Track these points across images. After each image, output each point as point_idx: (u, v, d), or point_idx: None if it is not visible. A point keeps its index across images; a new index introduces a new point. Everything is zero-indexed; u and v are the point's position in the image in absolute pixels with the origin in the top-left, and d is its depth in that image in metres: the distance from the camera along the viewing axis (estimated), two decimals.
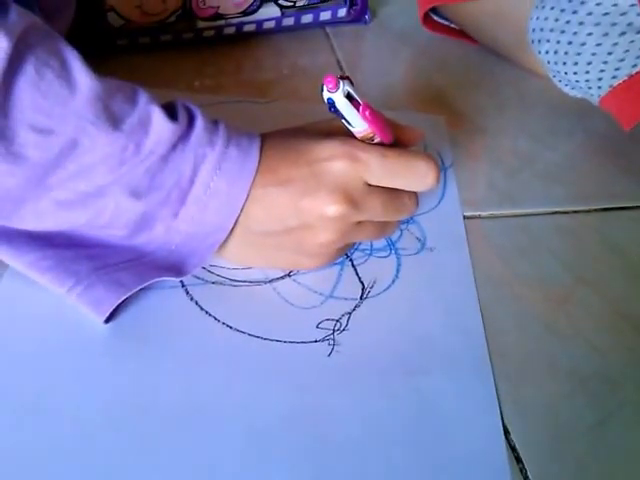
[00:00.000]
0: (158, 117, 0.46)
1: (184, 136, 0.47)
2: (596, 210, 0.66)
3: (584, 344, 0.53)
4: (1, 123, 0.41)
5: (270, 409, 0.46)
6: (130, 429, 0.44)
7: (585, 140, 0.75)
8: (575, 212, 0.65)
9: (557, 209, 0.65)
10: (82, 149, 0.44)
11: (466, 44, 0.89)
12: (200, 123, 0.48)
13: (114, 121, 0.44)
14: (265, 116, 0.72)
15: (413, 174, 0.50)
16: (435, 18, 0.89)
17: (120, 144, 0.44)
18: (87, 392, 0.45)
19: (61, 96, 0.43)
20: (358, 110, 0.47)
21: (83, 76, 0.44)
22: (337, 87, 0.45)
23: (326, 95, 0.46)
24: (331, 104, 0.46)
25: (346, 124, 0.48)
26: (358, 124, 0.48)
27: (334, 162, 0.49)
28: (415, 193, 0.53)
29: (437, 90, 0.81)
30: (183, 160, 0.47)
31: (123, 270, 0.49)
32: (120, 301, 0.48)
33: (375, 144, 0.50)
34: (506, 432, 0.47)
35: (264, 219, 0.49)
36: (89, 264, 0.48)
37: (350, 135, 0.50)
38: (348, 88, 0.46)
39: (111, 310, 0.48)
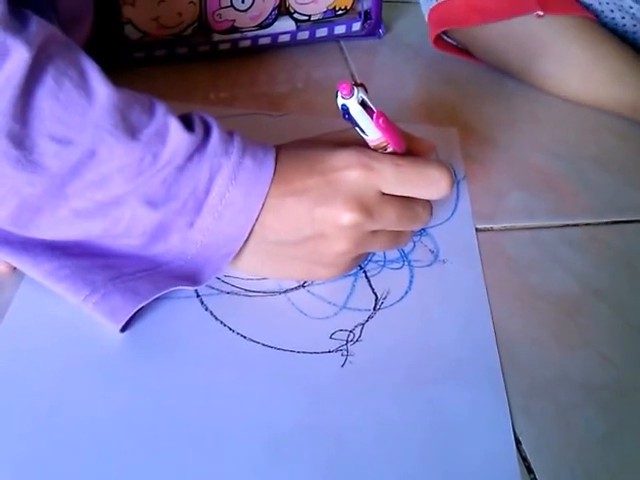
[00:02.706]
0: (175, 128, 0.46)
1: (200, 147, 0.47)
2: (607, 223, 0.66)
3: (595, 355, 0.53)
4: (21, 132, 0.42)
5: (284, 419, 0.46)
6: (144, 438, 0.44)
7: (596, 153, 0.76)
8: (587, 225, 0.65)
9: (569, 222, 0.65)
10: (100, 159, 0.44)
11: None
12: (216, 134, 0.48)
13: (132, 131, 0.45)
14: (279, 129, 0.73)
15: (426, 182, 0.51)
16: (446, 39, 0.90)
17: (137, 154, 0.45)
18: (102, 400, 0.46)
19: (79, 106, 0.43)
20: (372, 118, 0.47)
21: (101, 86, 0.44)
22: (351, 94, 0.46)
23: (340, 101, 0.46)
24: (345, 111, 0.47)
25: (360, 132, 0.48)
26: (372, 132, 0.48)
27: (348, 171, 0.49)
28: (429, 202, 0.53)
29: (450, 103, 0.82)
30: (199, 170, 0.47)
31: (139, 279, 0.49)
32: (136, 310, 0.48)
33: (388, 153, 0.50)
34: (517, 442, 0.47)
35: (279, 229, 0.50)
36: (105, 273, 0.49)
37: (364, 144, 0.50)
38: (362, 95, 0.46)
39: (127, 319, 0.48)
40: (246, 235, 0.49)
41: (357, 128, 0.48)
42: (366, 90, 0.47)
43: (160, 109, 0.47)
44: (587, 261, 0.61)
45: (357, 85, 0.46)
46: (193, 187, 0.47)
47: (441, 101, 0.82)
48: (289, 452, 0.44)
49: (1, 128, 0.41)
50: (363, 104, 0.47)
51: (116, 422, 0.45)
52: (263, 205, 0.49)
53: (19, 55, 0.41)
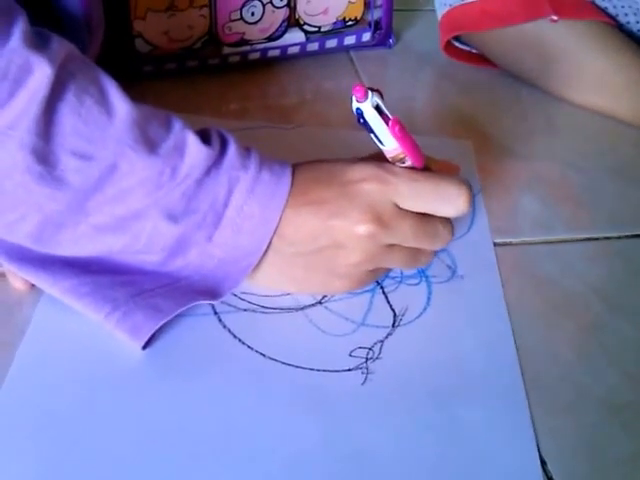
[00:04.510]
0: (193, 142, 0.47)
1: (218, 160, 0.48)
2: (627, 236, 0.65)
3: (619, 372, 0.52)
4: (44, 148, 0.42)
5: (303, 437, 0.46)
6: (163, 455, 0.44)
7: (616, 165, 0.75)
8: (607, 238, 0.65)
9: (588, 235, 0.65)
10: (121, 173, 0.45)
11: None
12: (233, 148, 0.49)
13: (151, 146, 0.45)
14: (291, 142, 0.73)
15: (443, 198, 0.50)
16: (457, 45, 0.89)
17: (157, 168, 0.45)
18: (122, 417, 0.45)
19: (100, 122, 0.44)
20: (387, 125, 0.47)
21: (120, 103, 0.45)
22: (365, 97, 0.46)
23: (355, 105, 0.46)
24: (360, 114, 0.47)
25: (375, 141, 0.48)
26: (388, 141, 0.48)
27: (364, 184, 0.49)
28: (449, 221, 0.53)
29: (463, 114, 0.81)
30: (217, 183, 0.48)
31: (160, 295, 0.49)
32: (158, 327, 0.48)
33: (406, 167, 0.50)
34: (543, 463, 0.46)
35: (296, 239, 0.50)
36: (125, 290, 0.49)
37: (382, 159, 0.50)
38: (377, 100, 0.46)
39: (149, 336, 0.48)
40: (264, 247, 0.50)
41: (372, 136, 0.48)
42: (382, 96, 0.47)
43: (177, 124, 0.47)
44: (609, 276, 0.61)
45: (372, 90, 0.46)
46: (212, 200, 0.48)
47: (454, 111, 0.82)
48: (309, 471, 0.44)
49: (25, 144, 0.42)
50: (378, 110, 0.46)
51: (135, 438, 0.44)
52: (281, 217, 0.49)
53: (42, 72, 0.42)
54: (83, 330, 0.49)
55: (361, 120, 0.47)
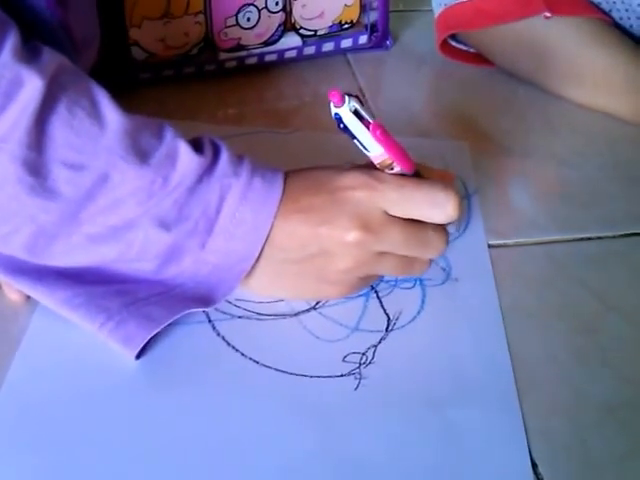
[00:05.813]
0: (184, 150, 0.47)
1: (210, 168, 0.48)
2: (623, 236, 0.65)
3: (613, 374, 0.52)
4: (36, 160, 0.43)
5: (297, 445, 0.46)
6: (157, 464, 0.44)
7: (612, 164, 0.75)
8: (600, 238, 0.64)
9: (583, 235, 0.64)
10: (112, 184, 0.45)
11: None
12: (225, 156, 0.49)
13: (143, 155, 0.46)
14: (288, 146, 0.73)
15: (431, 204, 0.50)
16: (453, 44, 0.89)
17: (149, 177, 0.46)
18: (116, 428, 0.46)
19: (92, 133, 0.44)
20: (368, 129, 0.47)
21: (112, 113, 0.45)
22: (342, 101, 0.45)
23: (333, 110, 0.46)
24: (339, 120, 0.46)
25: (360, 147, 0.48)
26: (371, 147, 0.48)
27: (353, 191, 0.49)
28: (442, 229, 0.52)
29: (461, 114, 0.81)
30: (209, 191, 0.48)
31: (153, 304, 0.49)
32: (151, 336, 0.48)
33: (395, 174, 0.50)
34: (534, 464, 0.46)
35: (286, 246, 0.50)
36: (119, 300, 0.49)
37: (372, 166, 0.50)
38: (355, 104, 0.46)
39: (142, 345, 0.48)
40: (257, 253, 0.50)
41: (356, 142, 0.48)
42: (361, 102, 0.47)
43: (169, 133, 0.48)
44: (605, 276, 0.60)
45: (350, 95, 0.46)
46: (204, 207, 0.48)
47: (452, 112, 0.82)
48: (303, 477, 0.44)
49: (17, 156, 0.42)
50: (358, 115, 0.46)
51: (130, 448, 0.45)
52: (272, 224, 0.49)
53: (33, 85, 0.42)
54: (78, 340, 0.50)
55: (341, 125, 0.47)
